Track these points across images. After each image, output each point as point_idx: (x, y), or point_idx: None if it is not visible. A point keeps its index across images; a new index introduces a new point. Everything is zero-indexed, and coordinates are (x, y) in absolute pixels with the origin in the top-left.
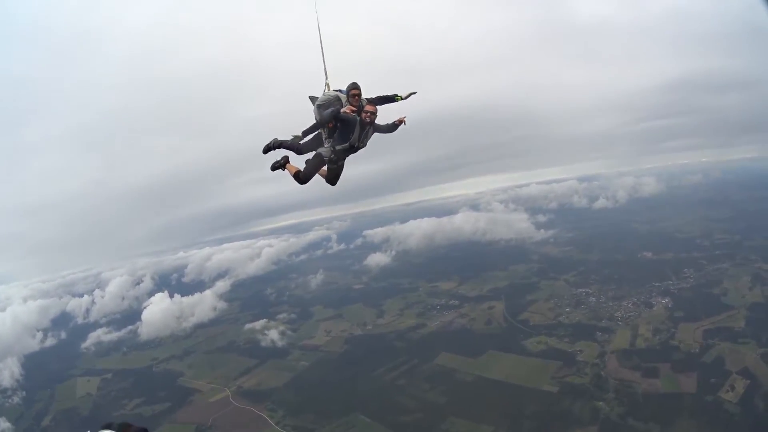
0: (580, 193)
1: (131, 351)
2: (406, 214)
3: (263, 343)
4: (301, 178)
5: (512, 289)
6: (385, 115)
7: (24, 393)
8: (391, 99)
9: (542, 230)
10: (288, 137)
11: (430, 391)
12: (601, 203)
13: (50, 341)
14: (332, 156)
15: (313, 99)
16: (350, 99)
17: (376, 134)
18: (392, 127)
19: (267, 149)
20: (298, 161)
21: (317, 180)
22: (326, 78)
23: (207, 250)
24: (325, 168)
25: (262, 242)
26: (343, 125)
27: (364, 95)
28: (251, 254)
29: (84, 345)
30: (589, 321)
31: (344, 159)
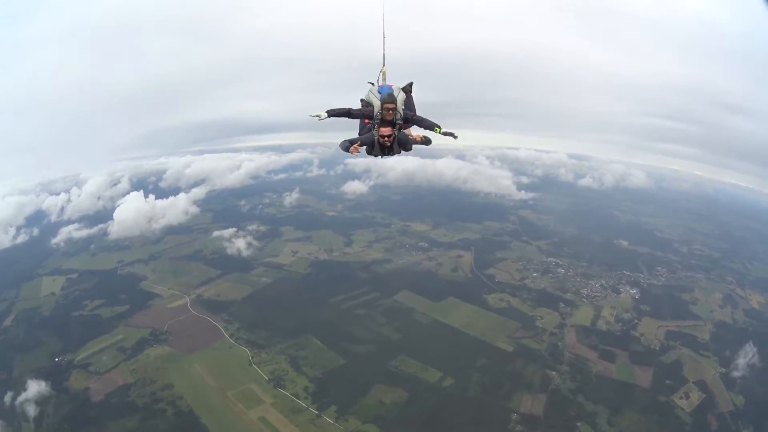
0: (567, 167)
1: (99, 252)
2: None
3: (229, 251)
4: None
5: (483, 243)
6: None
7: None
8: (430, 128)
9: (523, 191)
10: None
11: (385, 326)
12: (586, 182)
13: (22, 238)
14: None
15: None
16: (383, 112)
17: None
18: (424, 142)
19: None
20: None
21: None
22: (383, 65)
23: (188, 158)
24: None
25: (243, 156)
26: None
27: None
28: (231, 166)
29: (54, 240)
30: (555, 291)
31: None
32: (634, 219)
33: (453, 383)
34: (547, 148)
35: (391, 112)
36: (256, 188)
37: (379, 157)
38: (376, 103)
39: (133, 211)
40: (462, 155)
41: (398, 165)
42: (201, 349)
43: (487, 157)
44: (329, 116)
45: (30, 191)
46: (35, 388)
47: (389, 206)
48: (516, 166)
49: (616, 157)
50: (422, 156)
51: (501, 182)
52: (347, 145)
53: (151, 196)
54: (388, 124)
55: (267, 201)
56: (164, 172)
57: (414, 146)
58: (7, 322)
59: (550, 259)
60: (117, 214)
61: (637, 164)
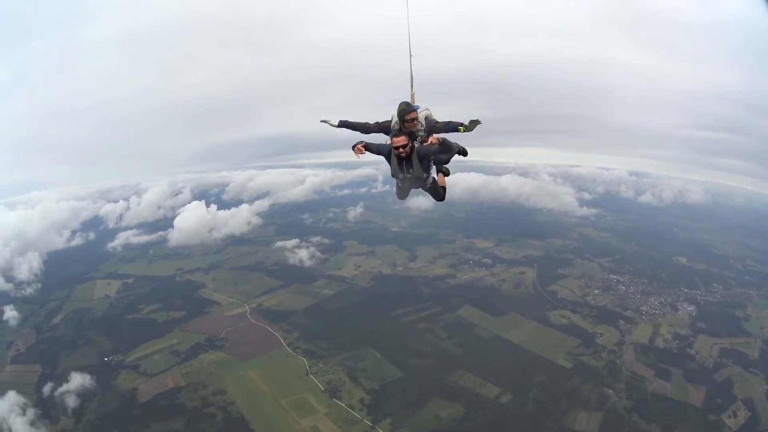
0: (628, 184)
1: (157, 258)
2: (453, 168)
3: (291, 261)
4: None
5: (546, 260)
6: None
7: (39, 285)
8: (454, 129)
9: (585, 208)
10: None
11: (446, 340)
12: (646, 198)
13: (77, 241)
14: (403, 184)
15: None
16: (404, 125)
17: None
18: (445, 150)
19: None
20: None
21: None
22: (412, 88)
23: (251, 172)
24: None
25: (307, 171)
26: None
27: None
28: (295, 180)
29: (111, 245)
30: (615, 308)
31: (424, 181)
32: (692, 236)
33: (510, 399)
34: (608, 166)
35: (412, 122)
36: (320, 203)
37: (403, 200)
38: (396, 120)
39: (194, 220)
40: (525, 173)
41: (461, 182)
42: (257, 357)
43: (550, 174)
44: (340, 126)
45: (86, 197)
46: (78, 380)
47: (453, 223)
48: (578, 183)
49: (673, 173)
50: (485, 173)
51: (563, 198)
52: (355, 144)
53: (213, 207)
54: (403, 133)
55: (331, 215)
56: (227, 184)
57: (443, 156)
58: (56, 320)
59: (612, 276)
60: (177, 222)
61: (694, 180)
